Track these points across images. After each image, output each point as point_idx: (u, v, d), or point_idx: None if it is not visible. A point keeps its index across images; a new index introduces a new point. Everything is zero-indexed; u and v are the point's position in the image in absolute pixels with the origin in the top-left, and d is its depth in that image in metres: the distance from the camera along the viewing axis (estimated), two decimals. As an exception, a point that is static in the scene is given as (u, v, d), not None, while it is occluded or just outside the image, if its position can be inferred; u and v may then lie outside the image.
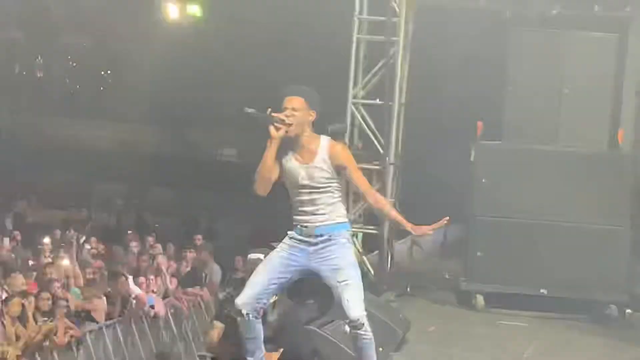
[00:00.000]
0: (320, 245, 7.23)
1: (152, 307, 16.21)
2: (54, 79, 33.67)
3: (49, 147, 28.53)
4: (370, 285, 12.94)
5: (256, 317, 7.42)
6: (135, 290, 16.22)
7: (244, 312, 7.34)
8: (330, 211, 7.22)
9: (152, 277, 17.15)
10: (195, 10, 27.37)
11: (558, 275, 12.09)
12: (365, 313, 7.17)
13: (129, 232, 21.25)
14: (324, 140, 7.19)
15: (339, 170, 7.16)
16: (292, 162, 7.21)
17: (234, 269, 16.84)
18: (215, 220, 24.50)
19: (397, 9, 13.27)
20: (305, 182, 7.16)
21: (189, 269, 18.53)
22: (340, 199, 7.32)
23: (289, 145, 7.18)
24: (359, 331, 7.12)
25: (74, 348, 13.66)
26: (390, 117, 13.35)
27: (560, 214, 12.27)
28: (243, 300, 7.33)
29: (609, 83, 13.21)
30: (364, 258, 13.65)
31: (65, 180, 26.88)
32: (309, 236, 7.24)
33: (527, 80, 13.29)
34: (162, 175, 27.92)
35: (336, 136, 13.46)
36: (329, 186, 7.20)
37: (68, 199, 25.09)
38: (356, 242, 13.79)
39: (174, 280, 17.81)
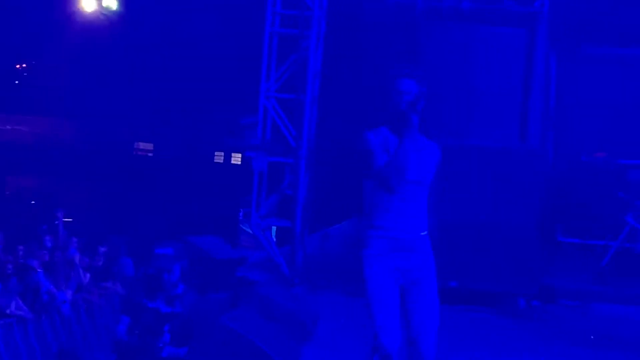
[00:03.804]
0: None
1: (64, 301, 16.17)
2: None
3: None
4: (283, 279, 13.04)
5: None
6: (47, 284, 16.17)
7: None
8: None
9: (65, 271, 17.13)
10: (111, 3, 27.27)
11: (468, 268, 12.21)
12: None
13: (43, 226, 21.12)
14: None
15: None
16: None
17: (148, 264, 16.84)
18: (130, 214, 24.51)
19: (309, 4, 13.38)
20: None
21: (101, 263, 18.55)
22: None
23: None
24: None
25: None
26: (302, 111, 13.41)
27: (470, 207, 12.35)
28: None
29: (518, 78, 13.40)
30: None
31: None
32: None
33: (438, 74, 13.43)
34: (78, 169, 27.87)
35: (248, 129, 13.60)
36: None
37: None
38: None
39: (87, 275, 17.81)
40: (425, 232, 6.95)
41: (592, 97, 14.78)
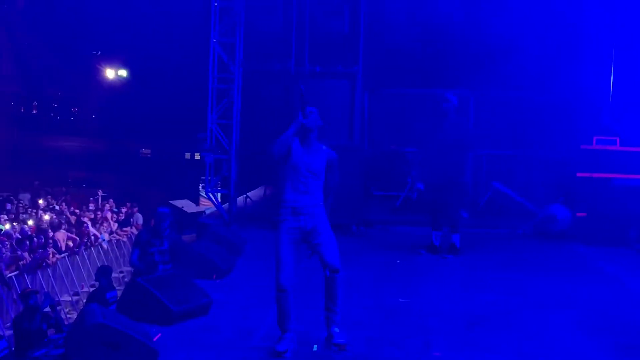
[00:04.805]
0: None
1: (103, 240, 15.71)
2: None
3: None
4: (224, 222, 12.98)
5: None
6: (93, 230, 15.66)
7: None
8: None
9: (102, 222, 16.65)
10: (123, 72, 26.63)
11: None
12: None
13: (90, 198, 20.52)
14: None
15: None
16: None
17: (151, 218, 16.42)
18: (139, 189, 23.85)
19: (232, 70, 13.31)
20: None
21: (123, 217, 18.01)
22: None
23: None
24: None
25: None
26: (231, 129, 13.39)
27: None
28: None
29: (346, 108, 13.36)
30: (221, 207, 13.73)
31: None
32: None
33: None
34: (107, 165, 27.12)
35: (202, 140, 13.47)
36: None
37: None
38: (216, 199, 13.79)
39: (116, 224, 17.29)
40: (317, 204, 5.89)
41: (388, 116, 14.75)
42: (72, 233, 14.64)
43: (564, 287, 8.57)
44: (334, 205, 6.09)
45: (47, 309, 8.30)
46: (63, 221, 15.45)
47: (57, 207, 17.86)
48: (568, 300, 7.97)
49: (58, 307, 10.05)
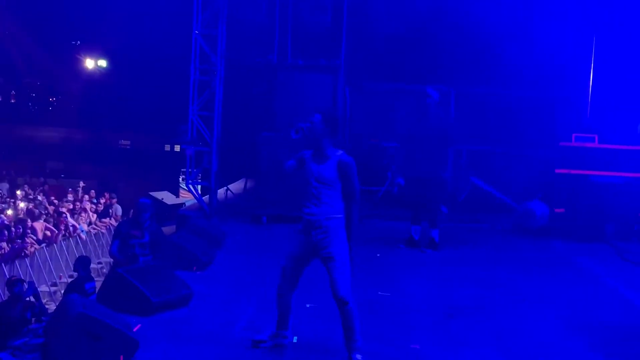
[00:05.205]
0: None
1: (82, 231, 15.61)
2: None
3: None
4: (205, 214, 12.95)
5: None
6: (71, 222, 15.54)
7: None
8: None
9: (81, 213, 16.52)
10: (102, 62, 26.40)
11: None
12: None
13: (69, 188, 20.36)
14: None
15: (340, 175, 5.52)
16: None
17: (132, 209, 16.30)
18: (118, 181, 23.70)
19: (217, 66, 13.27)
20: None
21: (102, 208, 17.90)
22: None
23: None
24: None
25: None
26: (212, 122, 13.35)
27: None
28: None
29: (329, 101, 13.40)
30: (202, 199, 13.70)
31: None
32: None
33: (286, 98, 13.39)
34: (86, 156, 26.92)
35: (183, 132, 13.41)
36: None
37: None
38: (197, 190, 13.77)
39: (95, 215, 17.18)
40: (332, 217, 5.52)
41: (369, 110, 14.80)
42: (50, 223, 14.52)
43: (542, 282, 8.67)
44: (358, 217, 5.61)
45: (30, 298, 8.24)
46: (42, 211, 15.33)
47: (39, 198, 17.71)
48: (545, 294, 8.07)
49: (37, 298, 9.97)
